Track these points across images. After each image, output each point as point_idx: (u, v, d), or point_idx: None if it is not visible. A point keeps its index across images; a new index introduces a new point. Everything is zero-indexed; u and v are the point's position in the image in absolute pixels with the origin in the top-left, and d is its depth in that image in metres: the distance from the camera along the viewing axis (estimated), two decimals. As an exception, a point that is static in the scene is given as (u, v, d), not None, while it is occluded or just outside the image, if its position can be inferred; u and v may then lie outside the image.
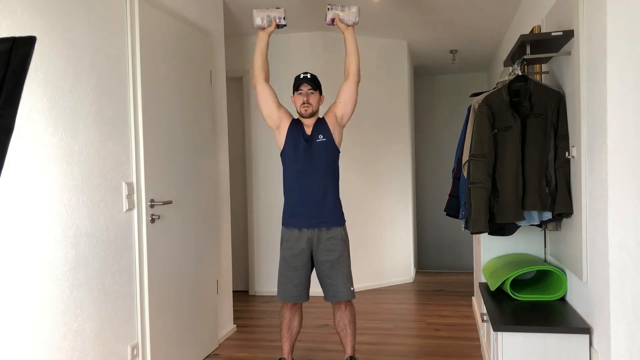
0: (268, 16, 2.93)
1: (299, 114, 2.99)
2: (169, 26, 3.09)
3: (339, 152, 3.01)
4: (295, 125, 2.98)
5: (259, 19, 2.93)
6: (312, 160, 2.91)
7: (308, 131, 2.97)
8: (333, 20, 2.94)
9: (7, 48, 0.90)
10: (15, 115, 0.92)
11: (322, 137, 2.93)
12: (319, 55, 5.07)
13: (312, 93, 2.95)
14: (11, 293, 1.98)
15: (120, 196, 2.64)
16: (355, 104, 3.00)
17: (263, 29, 2.97)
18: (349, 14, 2.92)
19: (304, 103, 2.94)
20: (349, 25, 2.95)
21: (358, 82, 2.97)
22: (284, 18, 2.94)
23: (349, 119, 3.03)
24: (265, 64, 3.00)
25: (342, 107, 2.98)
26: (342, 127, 3.03)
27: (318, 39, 5.09)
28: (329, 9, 2.94)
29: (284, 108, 3.03)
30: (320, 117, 3.03)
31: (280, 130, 2.99)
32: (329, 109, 3.03)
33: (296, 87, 2.97)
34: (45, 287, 2.13)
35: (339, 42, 5.13)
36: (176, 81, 3.17)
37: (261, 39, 2.98)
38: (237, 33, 4.95)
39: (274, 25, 2.96)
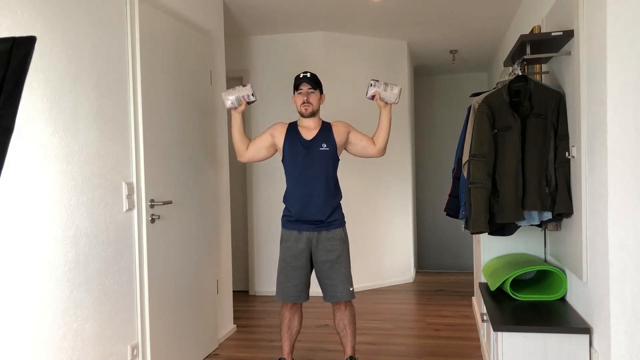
0: (237, 97, 2.99)
1: (300, 113, 2.99)
2: (169, 26, 3.09)
3: (339, 160, 3.04)
4: (292, 131, 2.99)
5: (228, 102, 3.00)
6: (312, 166, 2.92)
7: (306, 135, 2.97)
8: (374, 96, 2.97)
9: (7, 48, 0.90)
10: (15, 115, 0.92)
11: (325, 146, 2.94)
12: (319, 56, 5.07)
13: (312, 92, 2.96)
14: (11, 293, 1.98)
15: (120, 196, 2.64)
16: (359, 157, 3.15)
17: (234, 109, 3.02)
18: (391, 95, 2.95)
19: (304, 102, 2.94)
20: (387, 104, 2.98)
21: (380, 155, 3.07)
22: (252, 94, 3.01)
23: (349, 153, 3.12)
24: (244, 138, 3.08)
25: (358, 144, 3.04)
26: (343, 147, 3.08)
27: (318, 39, 5.09)
28: (371, 84, 2.96)
29: (268, 128, 3.09)
30: (326, 121, 3.04)
31: (278, 145, 3.04)
32: (345, 125, 3.06)
33: (296, 86, 2.98)
34: (45, 287, 2.13)
35: (340, 42, 5.16)
36: (176, 81, 3.17)
37: (235, 119, 3.05)
38: (237, 33, 4.95)
39: (244, 104, 3.02)
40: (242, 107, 3.03)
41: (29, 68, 0.93)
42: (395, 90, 2.96)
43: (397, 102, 3.01)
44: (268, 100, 5.07)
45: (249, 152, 3.08)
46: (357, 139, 3.04)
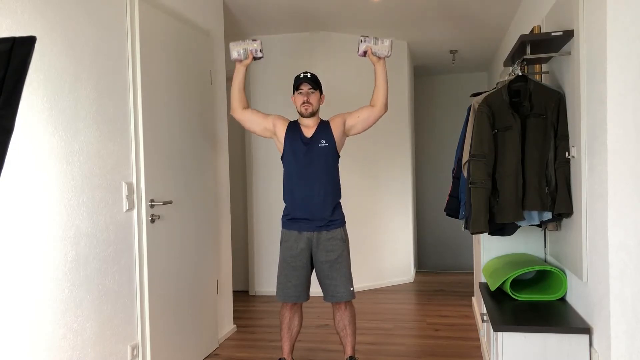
0: (245, 49, 2.96)
1: (300, 113, 2.99)
2: (169, 26, 3.09)
3: (339, 157, 3.02)
4: (293, 128, 2.98)
5: (235, 53, 2.97)
6: (312, 164, 2.92)
7: (307, 133, 2.97)
8: (365, 52, 2.95)
9: (7, 48, 0.90)
10: (15, 115, 0.92)
11: (324, 142, 2.94)
12: (320, 55, 5.07)
13: (312, 92, 2.96)
14: (11, 293, 1.98)
15: (120, 196, 2.64)
16: (368, 128, 3.05)
17: (240, 61, 2.99)
18: (382, 48, 2.93)
19: (304, 102, 2.94)
20: (380, 58, 2.96)
21: (384, 113, 2.99)
22: (260, 50, 2.98)
23: (356, 134, 3.07)
24: (242, 95, 3.04)
25: (358, 122, 3.00)
26: (346, 136, 3.04)
27: (318, 39, 5.09)
28: (361, 40, 2.94)
29: (273, 116, 3.06)
30: (324, 119, 3.04)
31: (277, 136, 3.01)
32: (340, 115, 3.03)
33: (296, 86, 2.97)
34: (45, 287, 2.13)
35: (340, 42, 5.16)
36: (176, 81, 3.17)
37: (238, 71, 3.02)
38: (237, 33, 4.95)
39: (250, 57, 2.99)
40: (248, 61, 3.00)
41: (29, 68, 0.93)
42: (387, 43, 2.92)
43: (390, 55, 2.96)
44: (268, 100, 5.07)
45: (244, 115, 3.04)
46: (354, 118, 3.01)
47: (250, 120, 3.06)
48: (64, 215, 2.25)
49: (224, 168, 3.94)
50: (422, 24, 4.87)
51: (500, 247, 3.08)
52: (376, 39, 2.93)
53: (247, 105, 3.08)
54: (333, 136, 2.95)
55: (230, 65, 4.71)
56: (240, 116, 3.05)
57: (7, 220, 1.97)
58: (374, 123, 3.04)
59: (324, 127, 2.98)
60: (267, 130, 3.04)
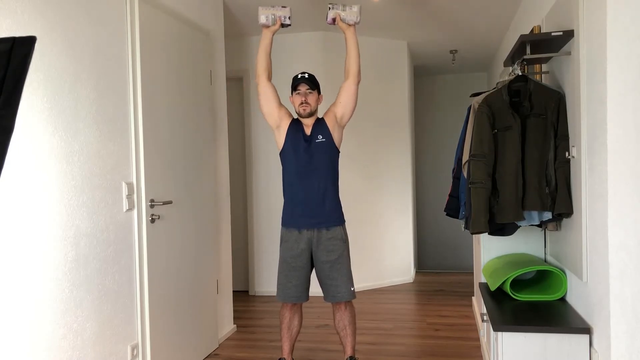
0: (273, 15, 2.91)
1: (298, 113, 2.99)
2: (169, 26, 3.09)
3: (339, 152, 3.01)
4: (295, 125, 2.98)
5: (263, 17, 2.91)
6: (312, 160, 2.91)
7: (307, 131, 2.97)
8: (334, 19, 2.93)
9: (7, 48, 0.90)
10: (15, 115, 0.92)
11: (321, 137, 2.93)
12: (319, 55, 5.07)
13: (310, 93, 2.95)
14: (11, 293, 1.98)
15: (120, 196, 2.64)
16: (355, 104, 2.99)
17: (267, 27, 2.95)
18: (350, 14, 2.91)
19: (302, 103, 2.94)
20: (350, 25, 2.94)
21: (358, 82, 2.96)
22: (289, 18, 2.93)
23: (349, 118, 3.03)
24: (268, 62, 2.99)
25: (342, 107, 2.98)
26: (342, 127, 3.02)
27: (318, 39, 5.09)
28: (330, 8, 2.92)
29: (285, 108, 3.04)
30: (320, 117, 3.03)
31: (280, 129, 2.99)
32: (329, 109, 3.03)
33: (294, 87, 2.97)
34: (45, 287, 2.13)
35: (339, 42, 5.15)
36: (176, 81, 3.17)
37: (265, 37, 2.97)
38: (237, 33, 4.95)
39: (278, 24, 2.94)
40: (276, 27, 2.95)
41: (29, 68, 0.93)
42: (355, 9, 2.91)
43: (359, 21, 2.93)
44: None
45: (267, 87, 2.96)
46: (338, 106, 2.97)
47: (268, 98, 2.98)
48: (64, 215, 2.25)
49: (224, 168, 3.94)
50: (422, 24, 4.87)
51: (500, 247, 3.08)
52: (344, 5, 2.91)
53: (271, 76, 3.01)
54: (329, 130, 2.95)
55: (231, 65, 4.72)
56: (263, 86, 2.97)
57: (7, 220, 1.97)
58: (356, 96, 2.96)
59: (319, 124, 2.98)
60: (273, 117, 2.99)
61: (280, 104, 3.02)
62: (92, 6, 2.45)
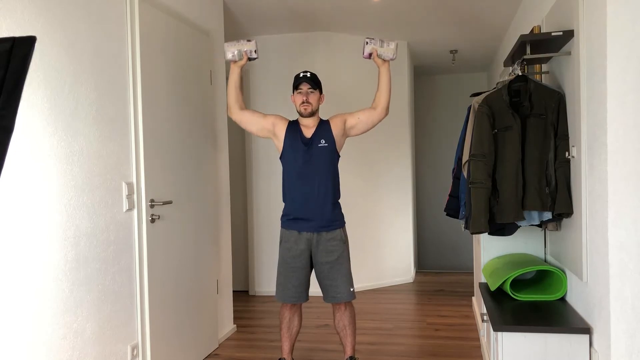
0: (239, 50, 2.96)
1: (299, 113, 2.99)
2: (169, 26, 3.09)
3: (339, 156, 3.02)
4: (293, 128, 2.98)
5: (229, 53, 2.98)
6: (312, 163, 2.91)
7: (307, 133, 2.96)
8: (371, 54, 2.94)
9: (7, 48, 0.90)
10: (15, 115, 0.92)
11: (324, 142, 2.93)
12: (320, 55, 5.07)
13: (311, 92, 2.95)
14: (11, 293, 1.98)
15: (120, 196, 2.64)
16: (368, 130, 3.06)
17: (235, 62, 3.00)
18: (388, 50, 2.93)
19: (303, 102, 2.94)
20: (385, 61, 2.95)
21: (385, 116, 2.99)
22: (255, 51, 2.98)
23: (356, 136, 3.08)
24: (239, 95, 3.05)
25: (358, 123, 3.00)
26: (346, 136, 3.04)
27: (318, 39, 5.09)
28: (367, 42, 2.93)
29: (273, 115, 3.06)
30: (324, 119, 3.03)
31: (277, 136, 3.00)
32: (340, 115, 3.03)
33: (296, 86, 2.97)
34: (45, 287, 2.13)
35: (340, 42, 5.16)
36: (176, 81, 3.17)
37: (233, 72, 3.03)
38: (237, 33, 4.95)
39: (245, 58, 2.99)
40: (243, 62, 3.00)
41: (29, 68, 0.93)
42: (392, 46, 2.93)
43: (395, 58, 2.96)
44: (268, 100, 5.07)
45: (241, 115, 3.03)
46: (354, 119, 3.01)
47: (248, 120, 3.05)
48: (64, 215, 2.25)
49: (224, 168, 3.94)
50: (422, 24, 4.87)
51: (500, 247, 3.08)
52: (382, 41, 2.93)
53: (244, 105, 3.08)
54: (332, 136, 2.95)
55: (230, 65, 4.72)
56: (238, 117, 3.05)
57: (7, 220, 1.97)
58: (374, 126, 3.05)
59: (323, 127, 2.98)
60: (265, 130, 3.03)
61: (265, 115, 3.06)
62: (92, 6, 2.45)
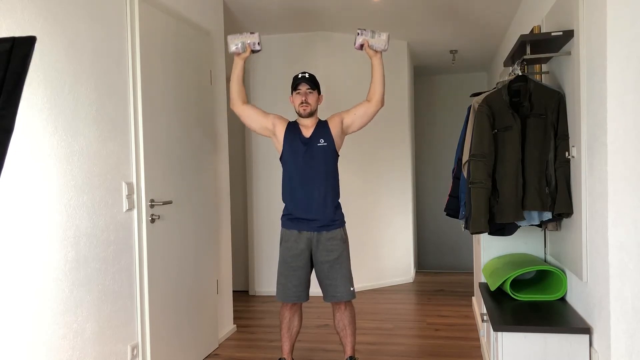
0: (242, 42, 2.96)
1: (298, 113, 2.99)
2: (169, 26, 3.09)
3: (338, 155, 3.02)
4: (292, 128, 2.98)
5: (233, 46, 2.97)
6: (312, 163, 2.91)
7: (306, 133, 2.96)
8: (362, 45, 2.94)
9: (7, 48, 0.90)
10: (15, 115, 0.92)
11: (323, 141, 2.93)
12: (320, 55, 5.07)
13: (310, 92, 2.95)
14: (11, 293, 1.98)
15: (120, 196, 2.64)
16: (367, 124, 3.04)
17: (238, 54, 2.99)
18: (379, 41, 2.92)
19: (302, 103, 2.94)
20: (377, 52, 2.95)
21: (381, 107, 2.98)
22: (258, 43, 2.98)
23: (355, 132, 3.07)
24: (241, 88, 3.04)
25: (355, 119, 2.99)
26: (345, 134, 3.04)
27: (318, 39, 5.09)
28: (358, 33, 2.93)
29: (273, 114, 3.06)
30: (322, 119, 3.03)
31: (277, 136, 3.00)
32: (337, 114, 3.03)
33: (294, 86, 2.97)
34: (45, 287, 2.13)
35: (340, 41, 5.16)
36: (176, 81, 3.17)
37: (237, 64, 3.02)
38: (237, 33, 4.94)
39: (248, 51, 2.99)
40: (247, 54, 3.00)
41: (29, 68, 0.93)
42: (384, 37, 2.92)
43: (387, 49, 2.95)
44: (268, 100, 5.07)
45: (244, 109, 3.03)
46: (351, 116, 3.00)
47: (250, 116, 3.04)
48: (64, 215, 2.25)
49: (224, 168, 3.94)
50: (422, 24, 4.87)
51: (500, 247, 3.08)
52: (373, 32, 2.93)
53: (246, 99, 3.08)
54: (331, 135, 2.95)
55: (231, 65, 4.71)
56: (240, 110, 3.04)
57: (7, 220, 1.97)
58: (372, 118, 3.03)
59: (322, 127, 2.98)
60: (266, 129, 3.03)
61: (266, 113, 3.05)
62: (92, 6, 2.45)
